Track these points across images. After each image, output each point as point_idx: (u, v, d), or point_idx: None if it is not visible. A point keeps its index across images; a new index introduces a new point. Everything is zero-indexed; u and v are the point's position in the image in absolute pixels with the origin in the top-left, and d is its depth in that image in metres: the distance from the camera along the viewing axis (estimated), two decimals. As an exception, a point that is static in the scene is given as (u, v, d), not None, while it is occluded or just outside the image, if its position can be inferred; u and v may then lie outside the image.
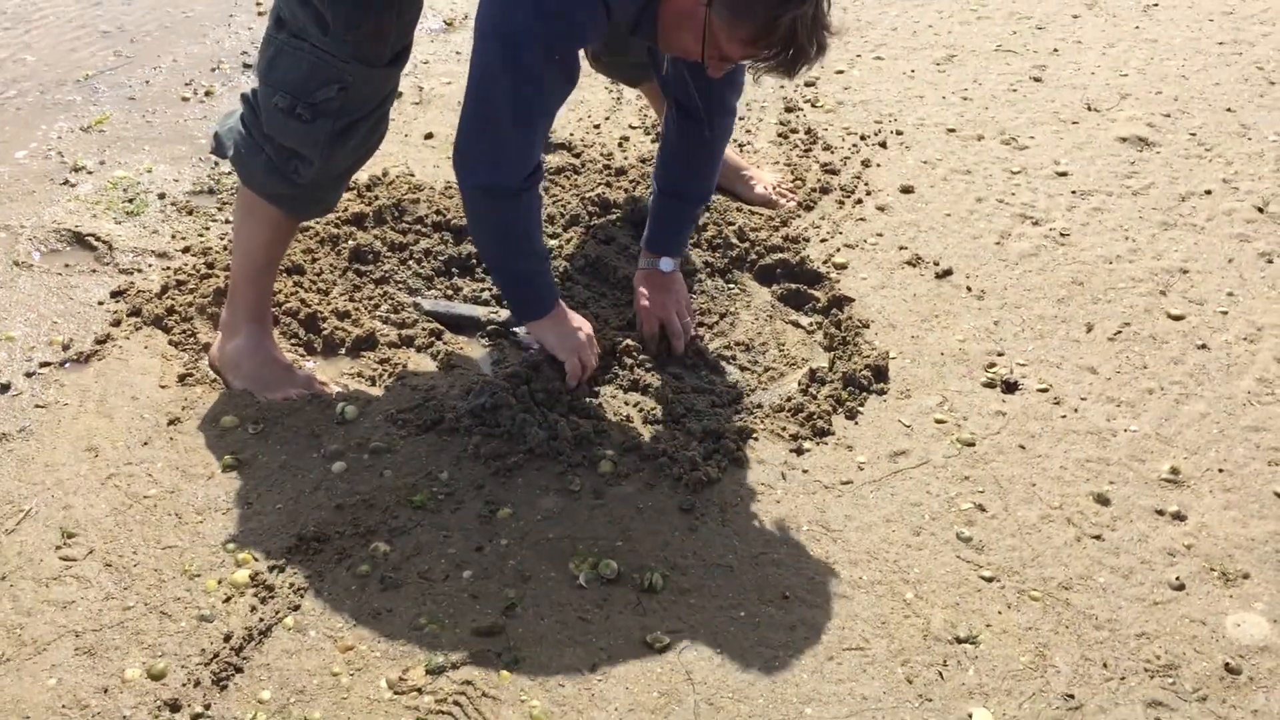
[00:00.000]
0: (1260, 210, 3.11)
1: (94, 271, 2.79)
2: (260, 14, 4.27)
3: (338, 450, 2.27)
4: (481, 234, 2.33)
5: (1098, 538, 2.12)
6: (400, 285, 2.79)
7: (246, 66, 3.86)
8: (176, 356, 2.51)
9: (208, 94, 3.69)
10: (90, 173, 3.21)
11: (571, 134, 3.46)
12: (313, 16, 2.16)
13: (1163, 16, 4.30)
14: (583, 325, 2.41)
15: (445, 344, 2.61)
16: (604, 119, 3.58)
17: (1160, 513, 2.18)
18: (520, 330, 2.58)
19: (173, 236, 2.93)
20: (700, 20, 2.01)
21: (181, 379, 2.44)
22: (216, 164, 3.24)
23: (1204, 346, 2.61)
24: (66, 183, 3.16)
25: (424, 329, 2.65)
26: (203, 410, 2.36)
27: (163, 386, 2.42)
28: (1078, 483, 2.24)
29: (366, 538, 2.08)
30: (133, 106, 3.60)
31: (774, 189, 3.13)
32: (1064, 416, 2.41)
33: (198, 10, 4.32)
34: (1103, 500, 2.20)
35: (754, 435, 2.34)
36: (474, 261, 2.85)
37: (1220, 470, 2.27)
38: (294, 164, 2.28)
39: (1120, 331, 2.65)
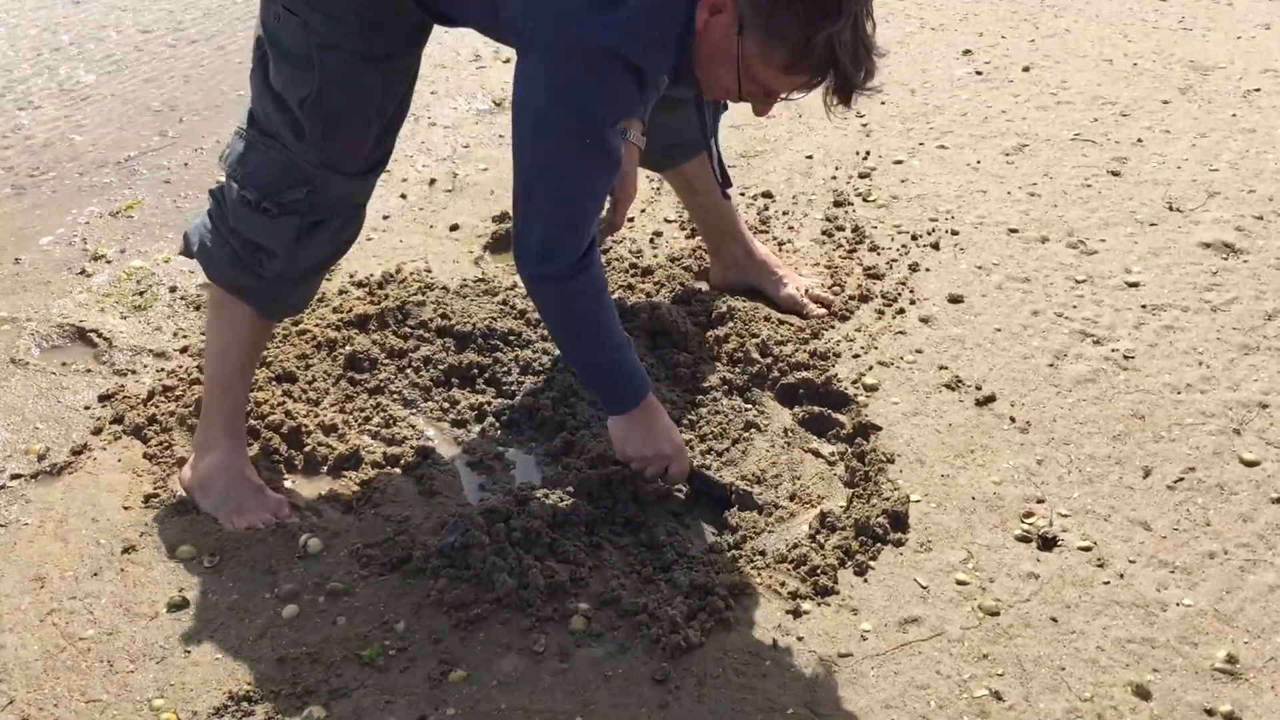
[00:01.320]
0: (1359, 333, 2.75)
1: (88, 371, 2.70)
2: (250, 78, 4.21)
3: (292, 590, 2.10)
4: (551, 328, 2.23)
5: (1132, 742, 1.82)
6: (395, 396, 2.63)
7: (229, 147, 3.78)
8: (148, 472, 2.38)
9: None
10: (109, 261, 3.15)
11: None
12: (289, 122, 2.10)
13: (1264, 103, 3.94)
14: (671, 431, 2.26)
15: (432, 465, 2.43)
16: (639, 210, 3.40)
17: (1210, 713, 1.86)
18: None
19: (174, 334, 2.83)
20: (734, 52, 1.87)
21: (147, 499, 2.31)
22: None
23: (1279, 501, 2.28)
24: (83, 272, 3.09)
25: (412, 447, 2.48)
26: (161, 536, 2.22)
27: (126, 508, 2.29)
28: (1115, 669, 1.94)
29: (303, 699, 1.90)
30: (166, 190, 3.55)
31: (806, 292, 2.90)
32: (1107, 583, 2.11)
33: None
34: (1142, 693, 1.89)
35: (748, 591, 2.09)
36: (475, 372, 2.67)
37: (1287, 661, 1.95)
38: (259, 257, 2.21)
39: (1183, 479, 2.34)
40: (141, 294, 2.99)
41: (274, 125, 2.11)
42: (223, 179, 2.23)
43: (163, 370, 2.68)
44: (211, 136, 3.89)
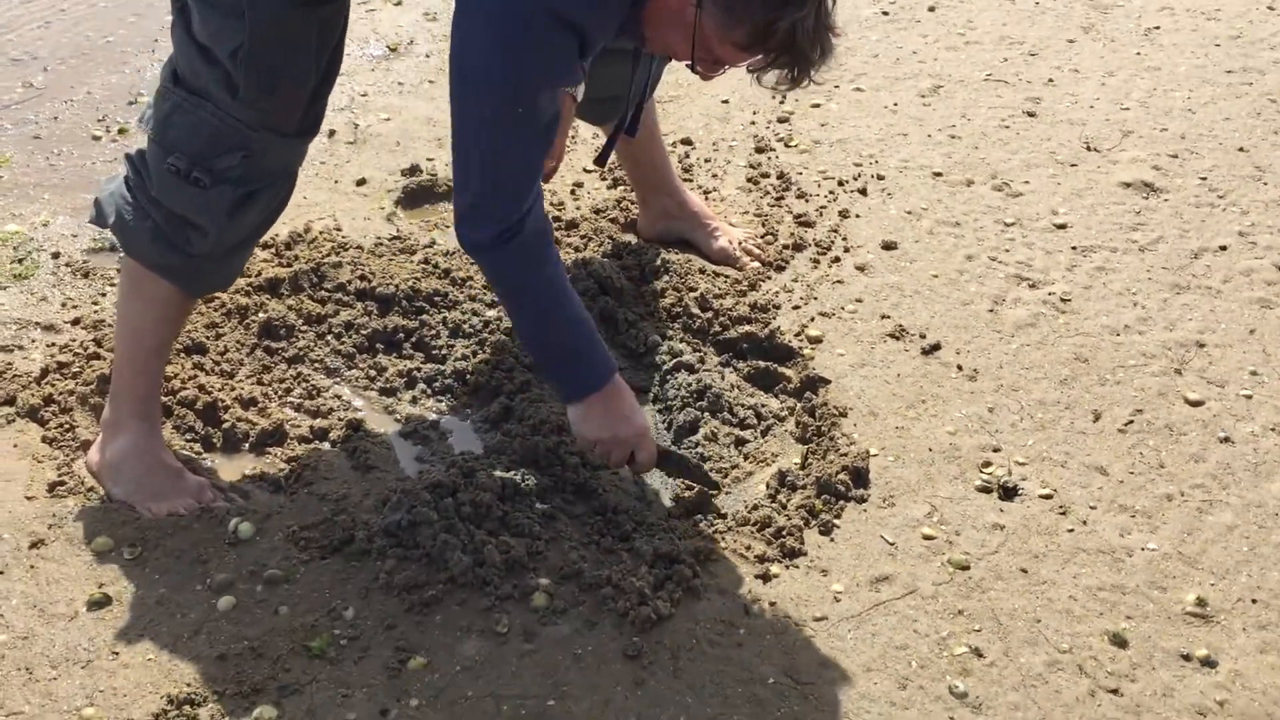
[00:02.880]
0: (1281, 270, 2.80)
1: (-32, 349, 2.45)
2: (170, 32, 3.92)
3: (226, 580, 1.94)
4: (500, 299, 2.11)
5: (1115, 691, 1.80)
6: (317, 365, 2.46)
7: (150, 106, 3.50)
8: (50, 458, 2.18)
9: (121, 131, 3.34)
10: (-21, 226, 2.87)
11: (520, 179, 3.12)
12: (220, 77, 1.90)
13: (1165, 41, 3.98)
14: (634, 414, 2.06)
15: (363, 438, 2.28)
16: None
17: (1187, 658, 1.86)
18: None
19: (63, 305, 2.59)
20: (690, 21, 1.77)
21: (52, 488, 2.11)
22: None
23: (1228, 440, 2.29)
24: (-50, 239, 2.81)
25: (340, 419, 2.32)
26: (73, 529, 2.03)
27: (29, 498, 2.09)
28: (1090, 618, 1.92)
29: (250, 698, 1.75)
30: (37, 147, 3.26)
31: (739, 244, 2.81)
32: (1071, 530, 2.09)
33: (120, 34, 3.97)
34: (1119, 641, 1.88)
35: (714, 557, 2.01)
36: (401, 336, 2.52)
37: (1254, 601, 1.96)
38: (186, 233, 2.00)
39: (1132, 421, 2.34)
40: (20, 261, 2.73)
41: (202, 81, 1.91)
42: (137, 146, 2.01)
43: (54, 345, 2.45)
44: (81, 87, 3.59)
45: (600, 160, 2.26)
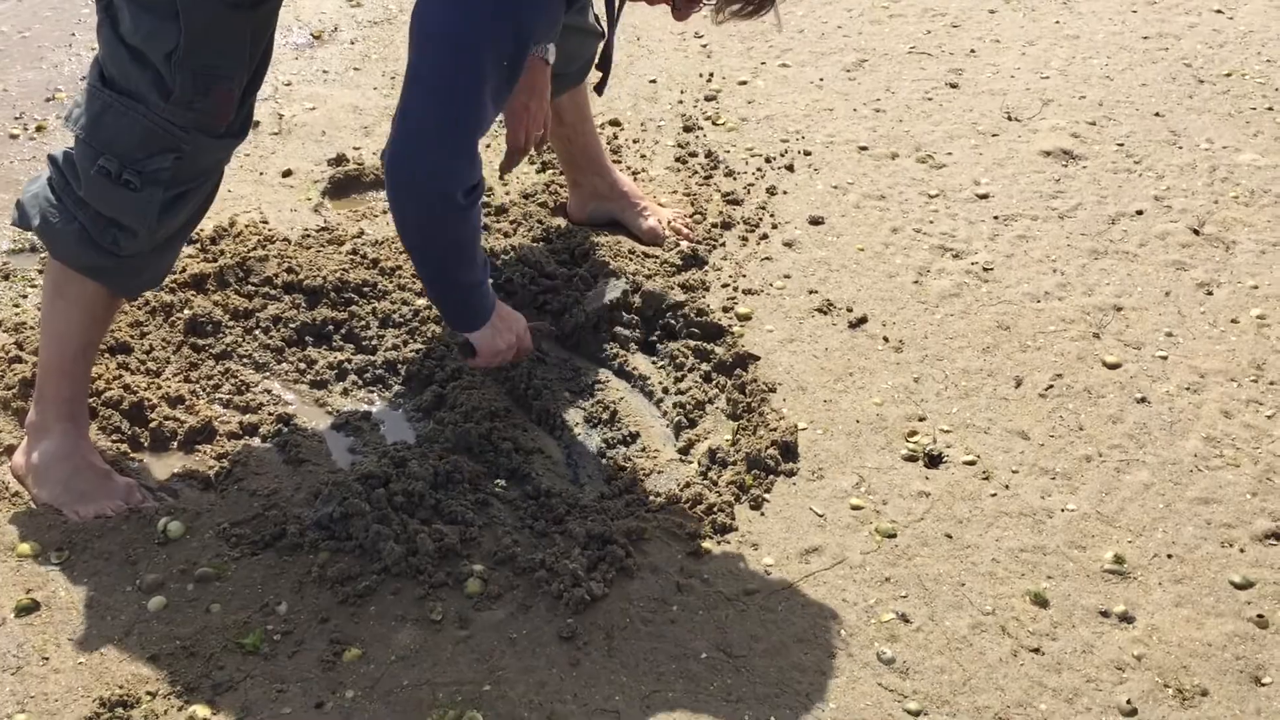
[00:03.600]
0: (1196, 232, 2.86)
1: (-114, 356, 2.41)
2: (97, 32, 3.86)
3: (157, 580, 1.93)
4: (423, 249, 2.01)
5: (1036, 650, 1.85)
6: (245, 360, 2.44)
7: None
8: (-28, 464, 2.15)
9: (39, 129, 3.28)
10: (-106, 231, 2.81)
11: (447, 166, 3.11)
12: (152, 80, 1.88)
13: (1084, 9, 4.04)
14: (512, 320, 2.16)
15: (294, 432, 2.27)
16: (485, 145, 3.24)
17: (1105, 614, 1.92)
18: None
19: (-18, 308, 2.55)
20: None
21: (-25, 494, 2.08)
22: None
23: (1144, 400, 2.36)
24: None
25: (270, 414, 2.31)
26: (-2, 535, 2.01)
27: (-48, 505, 2.06)
28: (1012, 579, 1.97)
29: (185, 698, 1.75)
30: (-49, 147, 3.19)
31: (668, 224, 2.83)
32: (994, 495, 2.14)
33: (36, 29, 3.89)
34: (1040, 601, 1.93)
35: (646, 536, 2.04)
36: (330, 328, 2.51)
37: (1169, 556, 2.02)
38: (113, 234, 1.98)
39: (1052, 386, 2.39)
40: (-63, 265, 2.69)
41: (133, 83, 1.89)
42: (60, 147, 1.99)
43: (-26, 349, 2.41)
44: (-3, 84, 3.52)
45: (599, 89, 2.34)
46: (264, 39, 1.97)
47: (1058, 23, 3.95)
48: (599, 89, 2.33)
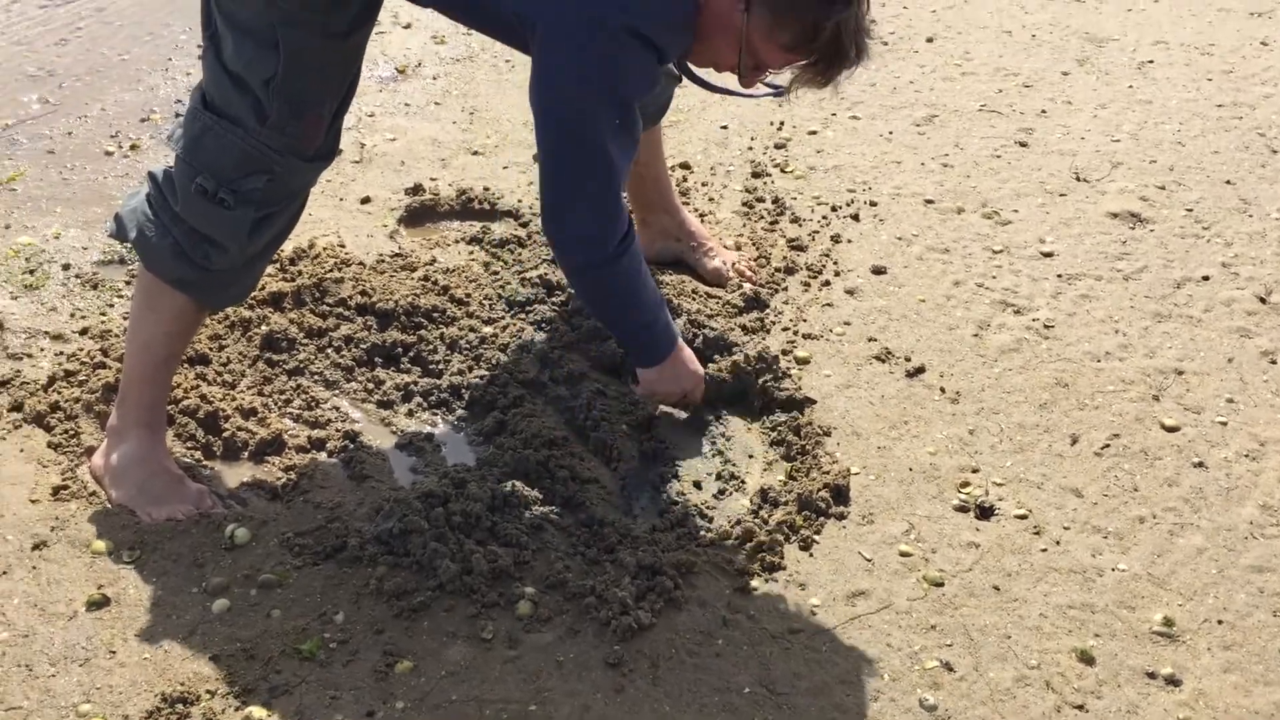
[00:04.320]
0: (1262, 301, 2.85)
1: (-21, 356, 2.52)
2: (201, 57, 4.02)
3: (221, 584, 2.00)
4: (593, 300, 2.29)
5: (1080, 708, 1.85)
6: (316, 377, 2.53)
7: (180, 116, 3.59)
8: (54, 463, 2.24)
9: (133, 148, 3.42)
10: (-7, 237, 2.95)
11: (520, 200, 3.20)
12: (250, 105, 1.99)
13: (1159, 75, 4.05)
14: (694, 364, 2.38)
15: (359, 449, 2.34)
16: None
17: (1152, 675, 1.91)
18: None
19: (72, 315, 2.66)
20: (737, 27, 1.88)
21: (56, 492, 2.17)
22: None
23: (1201, 465, 2.35)
24: (-35, 249, 2.89)
25: (337, 430, 2.39)
26: (74, 531, 2.09)
27: (33, 501, 2.15)
28: (1059, 635, 1.98)
29: (242, 698, 1.81)
30: (50, 161, 3.34)
31: (733, 266, 2.88)
32: (1044, 550, 2.14)
33: (135, 52, 4.06)
34: (1086, 659, 1.93)
35: (695, 570, 2.07)
36: (399, 351, 2.59)
37: (1220, 622, 2.01)
38: (205, 249, 2.08)
39: (1108, 445, 2.39)
40: (32, 272, 2.81)
41: (233, 108, 1.99)
42: (161, 164, 2.11)
43: (62, 354, 2.52)
44: (95, 104, 3.67)
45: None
46: (353, 67, 2.07)
47: (1131, 87, 3.97)
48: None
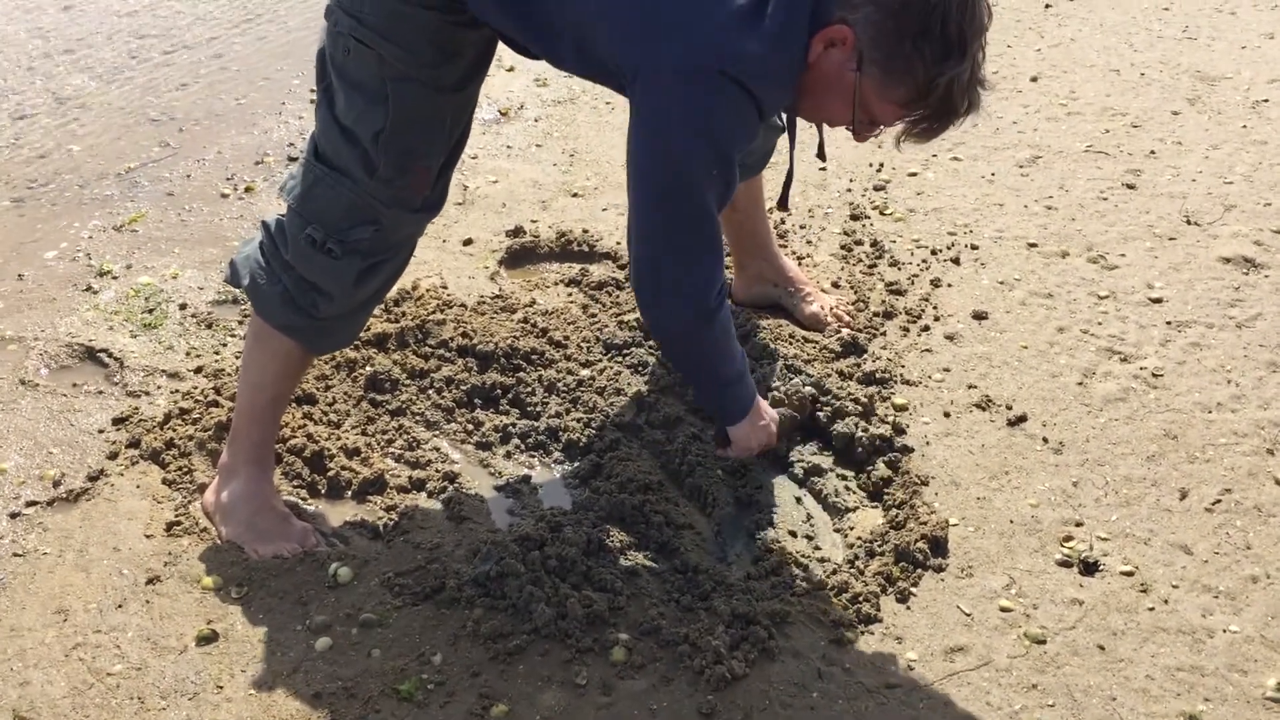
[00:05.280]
0: (1385, 350, 2.75)
1: (100, 393, 2.63)
2: (313, 101, 4.15)
3: (324, 622, 2.05)
4: (685, 356, 2.23)
5: (1189, 775, 1.79)
6: (418, 418, 2.58)
7: (291, 159, 3.71)
8: (168, 499, 2.33)
9: (248, 190, 3.55)
10: (115, 278, 3.07)
11: (618, 242, 3.23)
12: (359, 157, 2.04)
13: (1273, 114, 3.94)
14: (769, 417, 2.34)
15: (459, 490, 2.38)
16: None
17: (1265, 744, 1.85)
18: None
19: (187, 354, 2.76)
20: (850, 84, 1.86)
21: (169, 528, 2.25)
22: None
23: (1319, 523, 2.27)
24: (89, 289, 3.02)
25: (437, 471, 2.43)
26: (186, 566, 2.16)
27: (148, 536, 2.23)
28: (1166, 698, 1.92)
29: (342, 736, 1.85)
30: (169, 204, 3.48)
31: (830, 310, 2.87)
32: (1152, 609, 2.08)
33: (251, 97, 4.22)
34: (1196, 725, 1.87)
35: (790, 620, 2.06)
36: (498, 393, 2.63)
37: (1339, 690, 1.93)
38: (312, 297, 2.14)
39: (1220, 500, 2.32)
40: (151, 311, 2.92)
41: (343, 160, 2.05)
42: (273, 212, 2.18)
43: (177, 392, 2.62)
44: (213, 147, 3.82)
45: (782, 203, 2.35)
46: (463, 120, 2.11)
47: (1245, 127, 3.86)
48: (782, 203, 2.33)
